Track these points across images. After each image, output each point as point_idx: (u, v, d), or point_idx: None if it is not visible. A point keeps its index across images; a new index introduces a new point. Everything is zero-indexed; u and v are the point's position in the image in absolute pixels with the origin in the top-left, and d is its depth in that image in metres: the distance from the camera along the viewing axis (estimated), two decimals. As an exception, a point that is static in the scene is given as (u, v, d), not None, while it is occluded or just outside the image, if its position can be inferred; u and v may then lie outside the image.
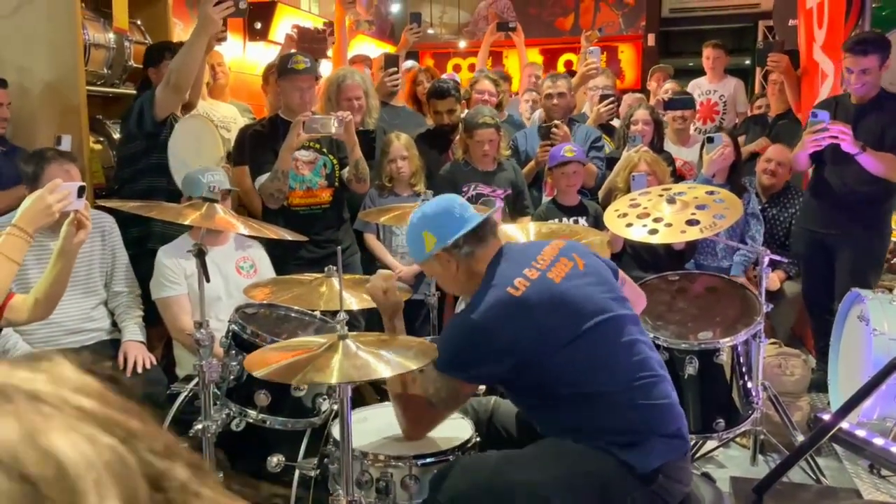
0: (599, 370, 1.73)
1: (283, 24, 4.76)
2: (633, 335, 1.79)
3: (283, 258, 3.03)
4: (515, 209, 3.56)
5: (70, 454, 0.36)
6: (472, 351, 1.74)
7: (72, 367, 0.43)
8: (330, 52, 4.44)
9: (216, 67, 3.86)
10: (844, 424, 2.50)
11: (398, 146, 3.45)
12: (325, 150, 3.19)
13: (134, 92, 3.42)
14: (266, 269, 2.96)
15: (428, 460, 1.86)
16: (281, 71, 3.13)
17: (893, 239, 3.91)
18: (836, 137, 3.26)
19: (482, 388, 2.37)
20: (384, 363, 1.62)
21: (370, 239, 3.50)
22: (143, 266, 2.87)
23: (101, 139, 3.51)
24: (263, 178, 3.05)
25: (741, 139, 4.72)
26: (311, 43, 3.93)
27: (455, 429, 2.00)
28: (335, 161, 3.22)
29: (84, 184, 2.00)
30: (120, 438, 0.39)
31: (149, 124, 3.05)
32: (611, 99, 4.07)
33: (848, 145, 3.27)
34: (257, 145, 3.15)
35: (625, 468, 1.68)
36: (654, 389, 1.75)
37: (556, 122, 3.52)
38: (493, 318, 1.71)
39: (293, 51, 3.40)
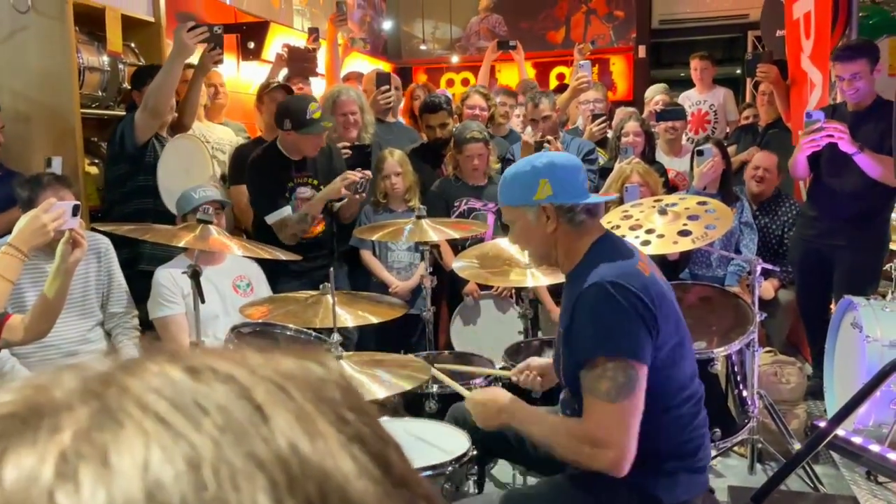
0: (674, 385, 1.68)
1: (276, 43, 4.80)
2: (695, 360, 1.78)
3: (275, 271, 3.06)
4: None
5: (351, 479, 0.29)
6: (624, 314, 1.57)
7: (338, 371, 0.35)
8: (323, 70, 4.48)
9: (219, 88, 3.89)
10: (840, 432, 2.51)
11: (392, 162, 3.48)
12: (322, 187, 3.24)
13: (126, 114, 3.44)
14: (263, 288, 2.98)
15: (426, 473, 1.86)
16: (299, 123, 3.01)
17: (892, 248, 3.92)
18: (832, 136, 3.24)
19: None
20: (379, 383, 1.63)
21: (366, 255, 3.52)
22: (134, 287, 2.88)
23: (97, 161, 3.53)
24: (279, 214, 3.08)
25: (732, 149, 4.75)
26: (301, 61, 3.97)
27: (452, 441, 2.00)
28: None
29: (79, 203, 2.01)
30: (387, 477, 0.31)
31: (130, 147, 3.08)
32: (602, 118, 4.11)
33: (845, 144, 3.25)
34: (261, 177, 3.17)
35: (646, 500, 1.65)
36: (702, 415, 1.76)
37: (547, 137, 3.56)
38: (637, 284, 1.59)
39: (301, 95, 3.28)
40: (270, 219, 3.11)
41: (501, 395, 1.81)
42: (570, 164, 1.75)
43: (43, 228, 1.88)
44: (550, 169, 1.71)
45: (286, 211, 3.12)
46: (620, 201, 3.30)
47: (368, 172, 3.11)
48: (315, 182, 3.22)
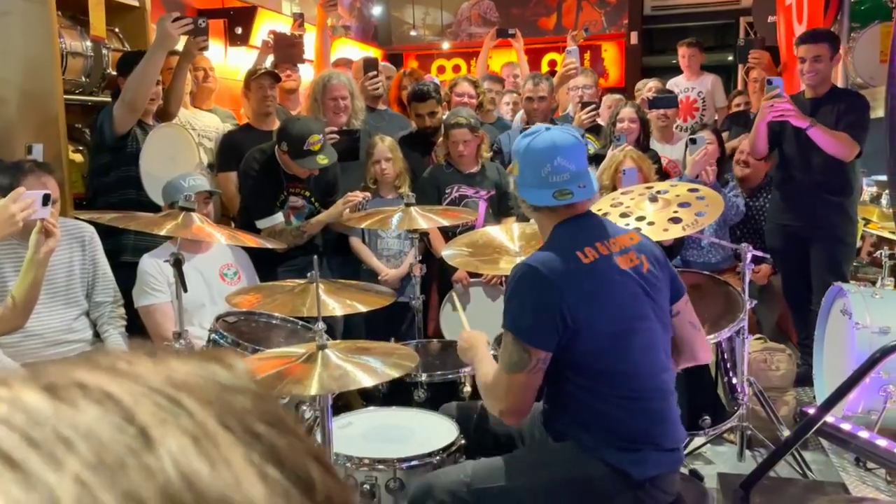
0: (625, 372, 1.71)
1: (264, 28, 4.74)
2: (659, 350, 1.79)
3: (263, 259, 3.03)
4: (500, 210, 3.58)
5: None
6: (537, 302, 1.67)
7: (248, 376, 0.31)
8: (313, 56, 4.43)
9: (207, 71, 3.86)
10: (829, 418, 2.51)
11: (382, 148, 3.46)
12: (313, 198, 3.23)
13: (111, 100, 3.40)
14: (250, 276, 2.95)
15: (413, 462, 1.85)
16: (294, 152, 3.01)
17: (872, 231, 3.93)
18: (783, 115, 3.36)
19: (468, 389, 2.37)
20: (363, 371, 1.61)
21: (355, 242, 3.49)
22: (117, 279, 2.84)
23: (81, 148, 3.48)
24: (270, 221, 3.09)
25: (724, 136, 4.73)
26: (287, 48, 3.92)
27: (440, 431, 1.99)
28: (317, 204, 3.28)
29: (49, 192, 1.97)
30: (308, 498, 0.27)
31: (109, 139, 3.03)
32: (592, 106, 4.07)
33: (796, 119, 3.37)
34: (256, 183, 3.15)
35: (614, 473, 1.67)
36: (665, 403, 1.77)
37: (537, 124, 3.52)
38: (557, 274, 1.66)
39: (308, 121, 3.21)
40: (261, 224, 3.11)
41: (481, 341, 1.96)
42: (541, 153, 1.74)
43: (11, 218, 1.85)
44: (523, 153, 1.78)
45: (277, 219, 3.12)
46: (613, 188, 3.29)
47: (368, 194, 3.17)
48: (307, 193, 3.22)
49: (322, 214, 3.16)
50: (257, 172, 3.15)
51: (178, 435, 0.25)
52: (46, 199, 1.92)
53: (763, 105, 3.43)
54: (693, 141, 3.51)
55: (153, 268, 2.73)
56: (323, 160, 3.02)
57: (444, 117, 3.64)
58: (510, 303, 1.71)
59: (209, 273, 2.83)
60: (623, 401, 1.70)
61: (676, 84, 5.39)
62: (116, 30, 3.65)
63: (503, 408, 1.74)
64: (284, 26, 4.67)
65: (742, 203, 3.69)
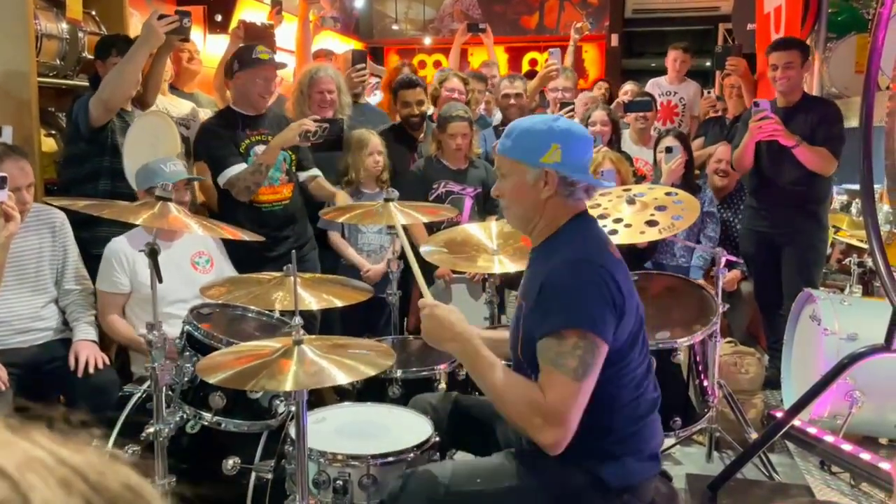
0: (630, 373, 1.69)
1: (245, 16, 4.68)
2: (648, 352, 1.79)
3: (245, 258, 2.97)
4: (485, 208, 3.59)
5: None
6: (599, 293, 1.56)
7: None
8: (293, 46, 4.38)
9: (194, 54, 3.86)
10: (796, 422, 2.56)
11: (376, 142, 3.48)
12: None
13: (87, 84, 3.33)
14: (223, 263, 2.89)
15: (386, 459, 1.84)
16: (244, 61, 3.07)
17: (842, 238, 4.01)
18: (772, 135, 3.44)
19: (443, 386, 2.37)
20: (339, 368, 1.60)
21: (335, 237, 3.47)
22: (88, 272, 2.79)
23: (54, 132, 3.41)
24: (232, 171, 3.02)
25: (699, 141, 4.78)
26: (257, 39, 3.87)
27: (414, 427, 1.99)
28: (293, 156, 3.24)
29: (6, 175, 1.93)
30: None
31: (85, 131, 2.97)
32: (570, 107, 4.09)
33: (784, 139, 3.45)
34: (213, 139, 3.11)
35: (593, 482, 1.66)
36: (653, 410, 1.76)
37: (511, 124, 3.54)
38: (608, 262, 1.61)
39: (254, 46, 3.33)
40: (221, 179, 3.04)
41: (463, 324, 1.69)
42: (585, 138, 1.71)
43: None
44: (566, 136, 1.65)
45: (238, 168, 3.04)
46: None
47: (328, 125, 3.11)
48: (271, 139, 3.16)
49: (274, 140, 3.04)
50: (213, 129, 3.14)
51: None
52: (3, 182, 1.88)
53: (751, 126, 3.49)
54: (669, 149, 3.56)
55: (118, 255, 2.67)
56: (264, 55, 3.06)
57: (442, 110, 3.62)
58: (559, 301, 1.57)
59: (181, 262, 2.77)
60: (618, 407, 1.68)
61: (658, 85, 5.38)
62: (93, 13, 3.59)
63: (566, 430, 1.53)
64: (264, 15, 4.62)
65: (715, 214, 3.71)
